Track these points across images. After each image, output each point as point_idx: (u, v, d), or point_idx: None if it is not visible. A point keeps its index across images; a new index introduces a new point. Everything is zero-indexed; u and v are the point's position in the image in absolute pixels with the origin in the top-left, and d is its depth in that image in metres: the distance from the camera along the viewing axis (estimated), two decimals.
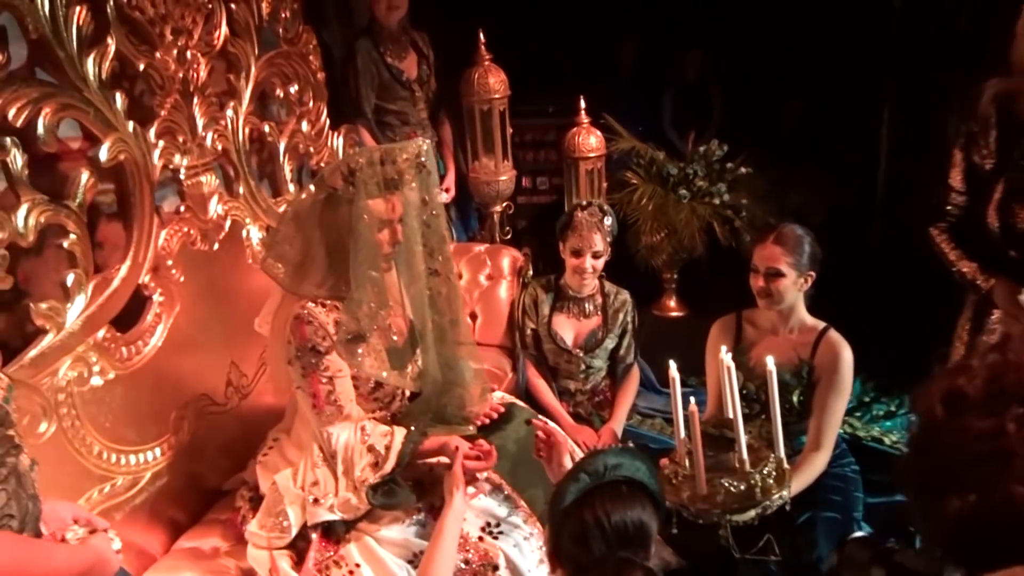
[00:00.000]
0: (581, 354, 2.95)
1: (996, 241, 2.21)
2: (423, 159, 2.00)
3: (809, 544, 2.26)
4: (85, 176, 1.88)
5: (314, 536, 1.93)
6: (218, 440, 2.29)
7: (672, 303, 4.18)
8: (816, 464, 2.24)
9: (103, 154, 1.92)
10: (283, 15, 2.64)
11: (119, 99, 1.97)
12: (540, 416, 2.37)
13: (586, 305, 2.98)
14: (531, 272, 3.17)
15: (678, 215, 3.80)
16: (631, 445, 2.55)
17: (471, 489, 1.99)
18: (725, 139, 3.98)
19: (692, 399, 1.96)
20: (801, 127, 5.00)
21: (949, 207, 2.34)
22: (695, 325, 3.99)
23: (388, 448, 1.97)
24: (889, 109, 4.54)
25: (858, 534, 1.84)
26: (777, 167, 4.12)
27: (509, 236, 3.55)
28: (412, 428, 2.04)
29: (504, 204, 3.55)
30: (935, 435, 0.79)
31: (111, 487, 1.94)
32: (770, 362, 1.96)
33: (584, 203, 2.93)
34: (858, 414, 2.89)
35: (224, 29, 2.36)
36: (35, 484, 1.20)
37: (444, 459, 2.01)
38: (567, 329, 2.97)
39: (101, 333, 1.93)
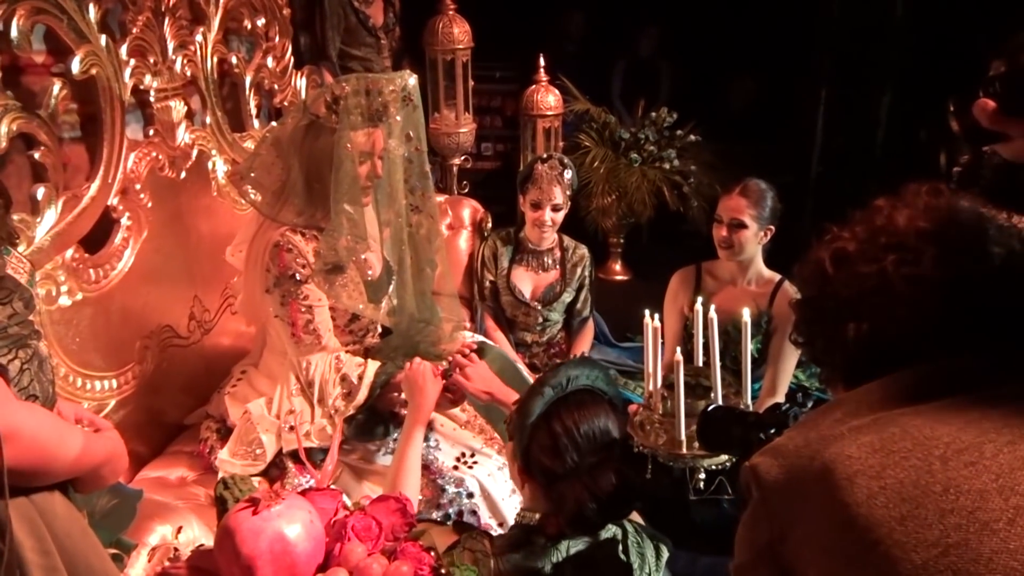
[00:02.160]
0: (539, 307, 2.99)
1: None
2: (409, 92, 2.00)
3: None
4: (57, 87, 1.80)
5: (290, 464, 1.93)
6: (181, 374, 2.24)
7: (617, 267, 4.30)
8: None
9: (75, 66, 1.84)
10: None
11: (92, 10, 1.88)
12: (508, 357, 2.42)
13: (545, 259, 3.02)
14: (491, 224, 3.19)
15: (629, 179, 3.90)
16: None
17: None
18: (674, 110, 4.10)
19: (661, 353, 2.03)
20: (744, 105, 5.18)
21: None
22: (639, 288, 4.15)
23: (361, 379, 1.97)
24: (826, 89, 4.75)
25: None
26: (722, 140, 4.27)
27: (467, 190, 3.56)
28: (386, 362, 2.05)
29: (463, 157, 3.56)
30: (828, 284, 0.97)
31: None
32: (746, 314, 2.04)
33: (544, 156, 2.97)
34: (799, 370, 3.03)
35: None
36: (53, 372, 1.16)
37: None
38: (525, 282, 3.01)
39: (70, 253, 1.86)
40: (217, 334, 2.43)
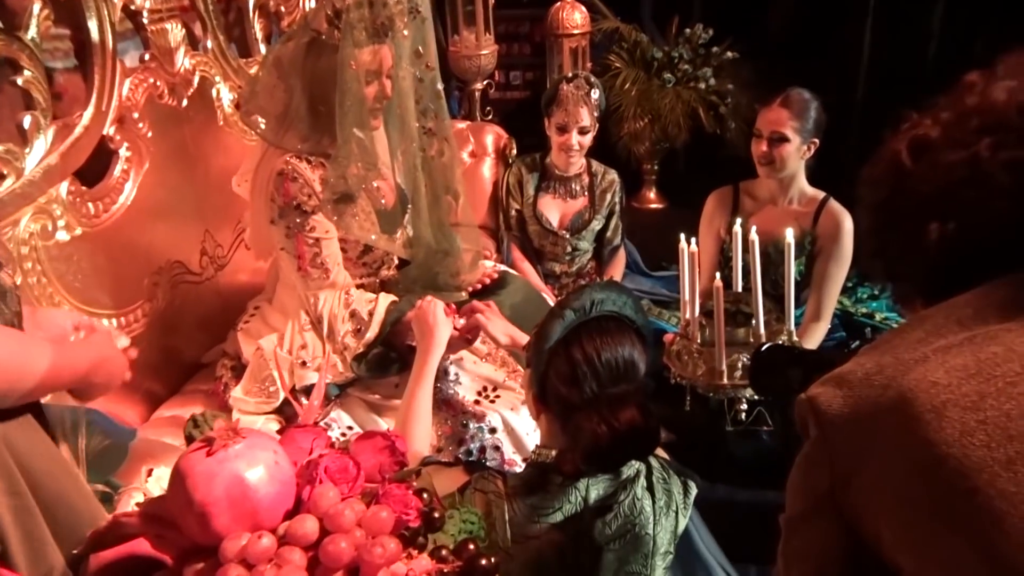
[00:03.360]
0: (567, 236, 2.87)
1: None
2: (416, 3, 1.85)
3: None
4: (38, 6, 1.69)
5: (304, 399, 1.85)
6: (194, 312, 2.17)
7: (652, 194, 4.12)
8: (817, 334, 2.23)
9: None
10: None
11: None
12: (532, 287, 2.31)
13: (572, 185, 2.88)
14: (515, 150, 3.05)
15: (662, 101, 3.70)
16: None
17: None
18: (710, 26, 3.85)
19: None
20: (785, 18, 4.87)
21: None
22: (674, 216, 3.97)
23: (371, 315, 1.88)
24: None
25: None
26: (761, 57, 4.02)
27: (491, 116, 3.40)
28: (400, 297, 1.95)
29: (485, 82, 3.39)
30: (906, 180, 0.81)
31: None
32: (789, 234, 1.91)
33: (569, 75, 2.79)
34: (844, 296, 2.87)
35: None
36: (19, 303, 1.07)
37: None
38: (553, 210, 2.88)
39: (64, 186, 1.77)
40: (232, 270, 2.35)
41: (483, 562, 0.81)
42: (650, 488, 1.28)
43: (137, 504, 0.84)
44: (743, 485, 2.14)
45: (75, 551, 0.85)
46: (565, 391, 1.25)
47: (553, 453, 1.28)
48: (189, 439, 0.87)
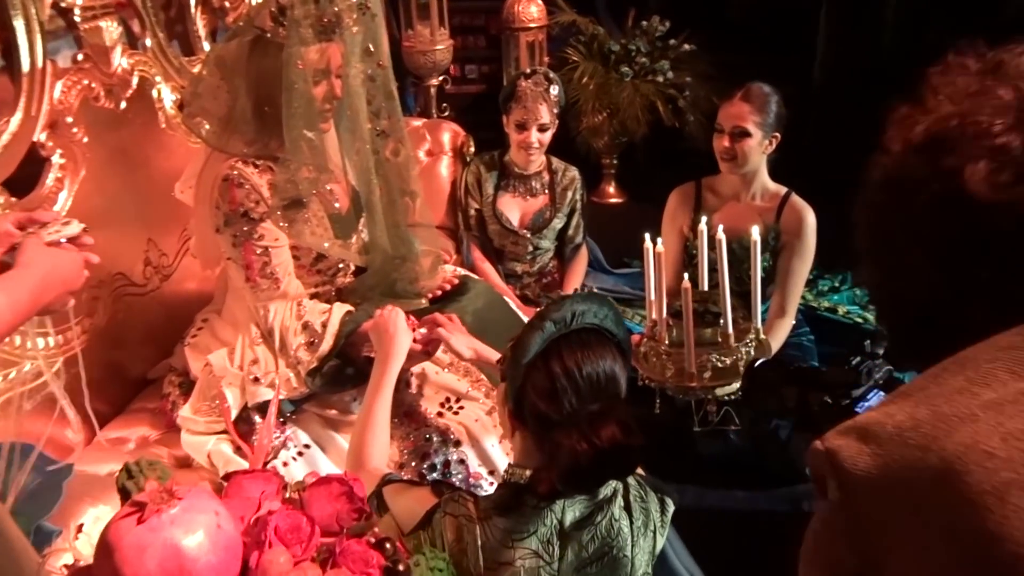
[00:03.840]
0: (528, 235, 2.81)
1: None
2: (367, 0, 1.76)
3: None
4: None
5: (257, 418, 1.76)
6: (139, 325, 2.06)
7: (611, 189, 4.09)
8: (782, 330, 2.21)
9: None
10: None
11: None
12: (495, 291, 2.24)
13: (532, 183, 2.82)
14: (473, 148, 2.97)
15: (620, 94, 3.66)
16: None
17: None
18: (666, 18, 3.82)
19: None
20: (743, 10, 4.87)
21: None
22: (634, 211, 3.94)
23: (325, 326, 1.79)
24: None
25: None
26: (719, 49, 4.00)
27: (447, 113, 3.32)
28: (355, 306, 1.87)
29: (441, 77, 3.31)
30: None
31: (16, 372, 1.70)
32: (755, 231, 1.88)
33: (528, 71, 2.73)
34: (806, 290, 2.86)
35: None
36: None
37: None
38: (513, 209, 2.81)
39: None
40: (179, 280, 2.23)
41: None
42: (627, 508, 1.23)
43: (65, 566, 0.76)
44: (712, 485, 2.12)
45: None
46: (543, 406, 1.19)
47: (527, 473, 1.22)
48: (123, 493, 0.78)
